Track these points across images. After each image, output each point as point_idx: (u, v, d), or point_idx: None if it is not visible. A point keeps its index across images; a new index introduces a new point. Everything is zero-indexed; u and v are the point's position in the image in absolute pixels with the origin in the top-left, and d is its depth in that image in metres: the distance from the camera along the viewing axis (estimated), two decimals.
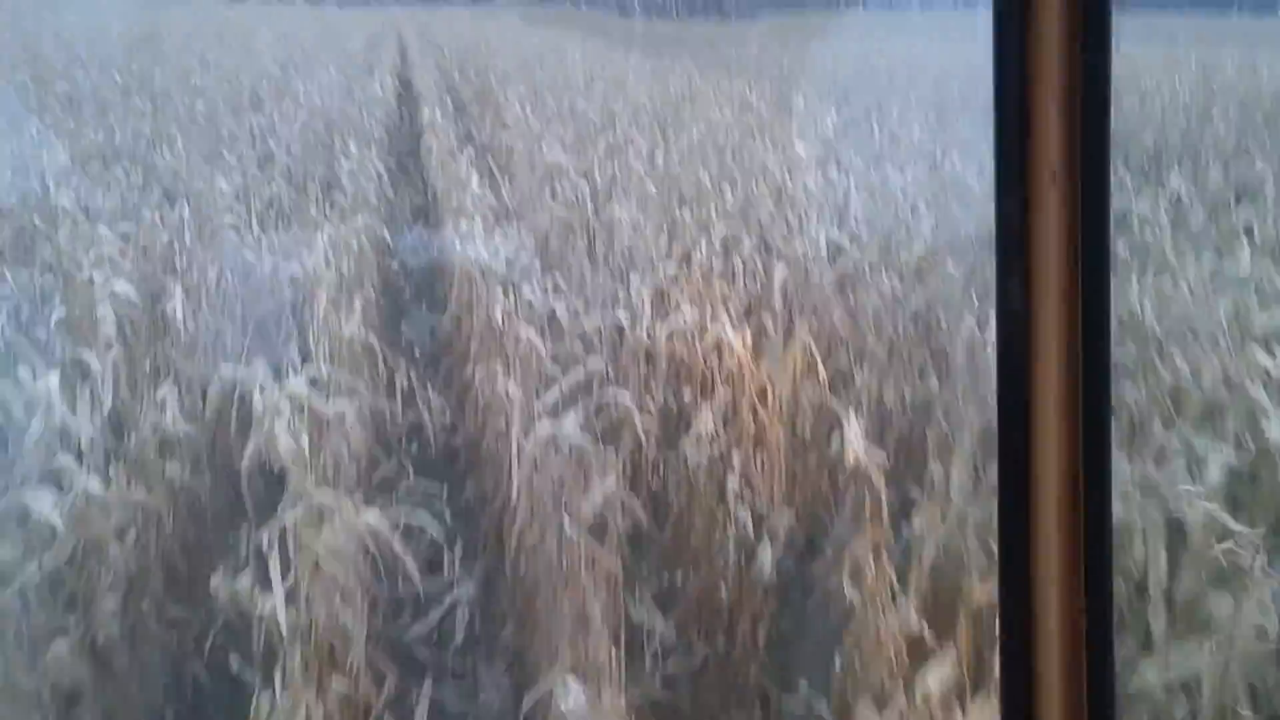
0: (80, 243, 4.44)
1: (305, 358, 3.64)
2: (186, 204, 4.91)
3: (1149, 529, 2.79)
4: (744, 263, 5.34)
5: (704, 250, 5.79)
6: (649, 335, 5.05)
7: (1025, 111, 0.76)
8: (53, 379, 2.96)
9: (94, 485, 2.82)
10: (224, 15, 20.43)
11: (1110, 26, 0.79)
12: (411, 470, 4.74)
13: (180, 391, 3.95)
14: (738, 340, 4.14)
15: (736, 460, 3.99)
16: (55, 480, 2.79)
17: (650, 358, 5.07)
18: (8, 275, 4.61)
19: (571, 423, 3.13)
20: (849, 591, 3.12)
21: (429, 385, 5.96)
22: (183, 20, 18.97)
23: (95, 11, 18.87)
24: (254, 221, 5.50)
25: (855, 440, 3.73)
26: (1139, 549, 2.77)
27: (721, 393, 4.32)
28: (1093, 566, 0.78)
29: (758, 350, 4.40)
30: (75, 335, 3.53)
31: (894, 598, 3.05)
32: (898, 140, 8.72)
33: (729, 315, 4.33)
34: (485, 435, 4.73)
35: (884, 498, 3.63)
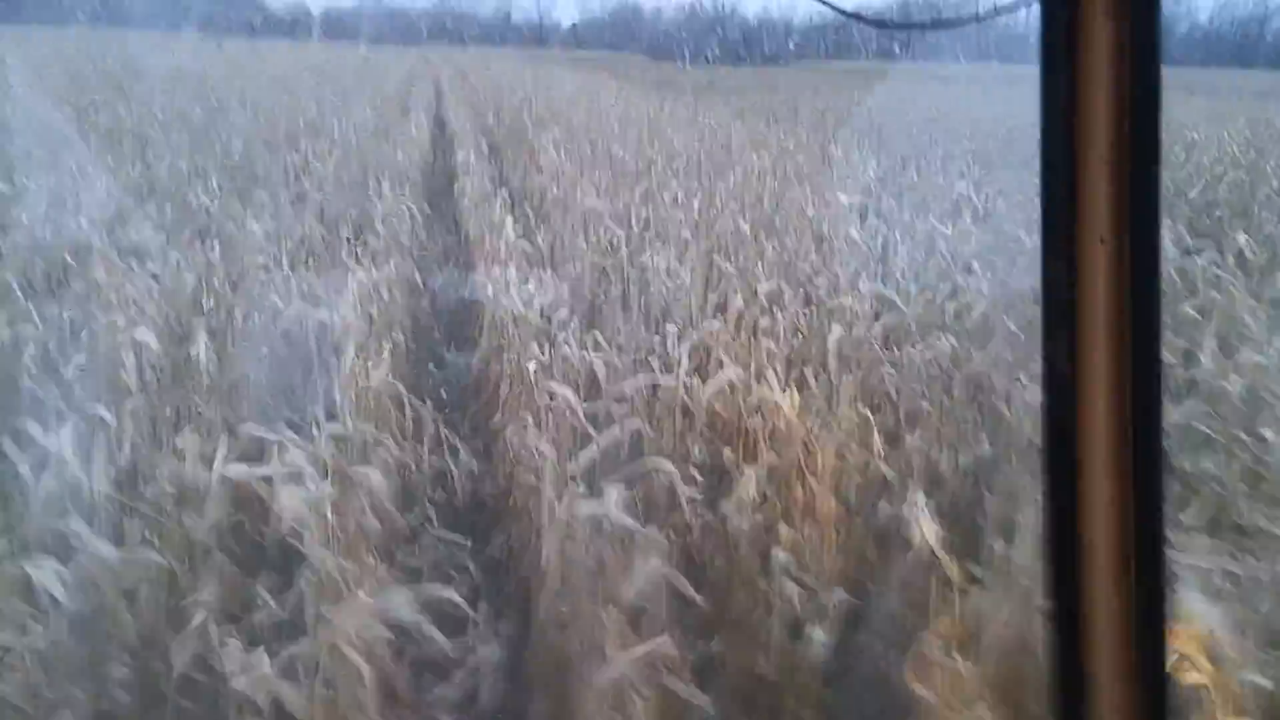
0: (109, 282, 4.33)
1: (330, 414, 3.46)
2: (217, 244, 4.78)
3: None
4: (788, 317, 5.14)
5: (745, 302, 5.61)
6: (687, 391, 4.86)
7: (1073, 173, 0.74)
8: (65, 433, 2.80)
9: (104, 550, 2.63)
10: (264, 53, 20.75)
11: (1160, 84, 0.76)
12: (435, 521, 4.56)
13: (201, 439, 3.79)
14: (785, 401, 3.92)
15: (783, 531, 3.75)
16: (62, 546, 2.60)
17: (688, 414, 4.87)
18: (34, 313, 4.49)
19: (612, 499, 2.91)
20: (909, 681, 2.87)
21: (457, 434, 5.80)
22: (224, 58, 19.27)
23: (141, 48, 19.21)
24: (284, 262, 5.38)
25: (916, 513, 3.51)
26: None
27: (766, 456, 4.10)
28: (1145, 647, 0.74)
29: (805, 411, 4.18)
30: (95, 384, 3.38)
31: (956, 687, 2.80)
32: (941, 191, 8.54)
33: (776, 374, 4.12)
34: (514, 489, 4.54)
35: (946, 576, 3.39)
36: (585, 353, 4.05)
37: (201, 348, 3.88)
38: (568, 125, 12.65)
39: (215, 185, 6.96)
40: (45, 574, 2.30)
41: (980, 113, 17.58)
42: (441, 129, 14.96)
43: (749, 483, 3.86)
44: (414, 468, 4.05)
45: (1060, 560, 0.77)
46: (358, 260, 5.38)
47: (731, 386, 4.50)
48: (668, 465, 3.35)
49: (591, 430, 3.88)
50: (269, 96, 13.81)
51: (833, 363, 4.37)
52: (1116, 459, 0.75)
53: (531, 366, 3.69)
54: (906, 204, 8.15)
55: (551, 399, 3.62)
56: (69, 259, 5.04)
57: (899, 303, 4.90)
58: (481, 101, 18.30)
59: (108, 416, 2.92)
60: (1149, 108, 0.75)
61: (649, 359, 5.18)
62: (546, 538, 3.55)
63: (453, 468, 4.33)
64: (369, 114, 12.93)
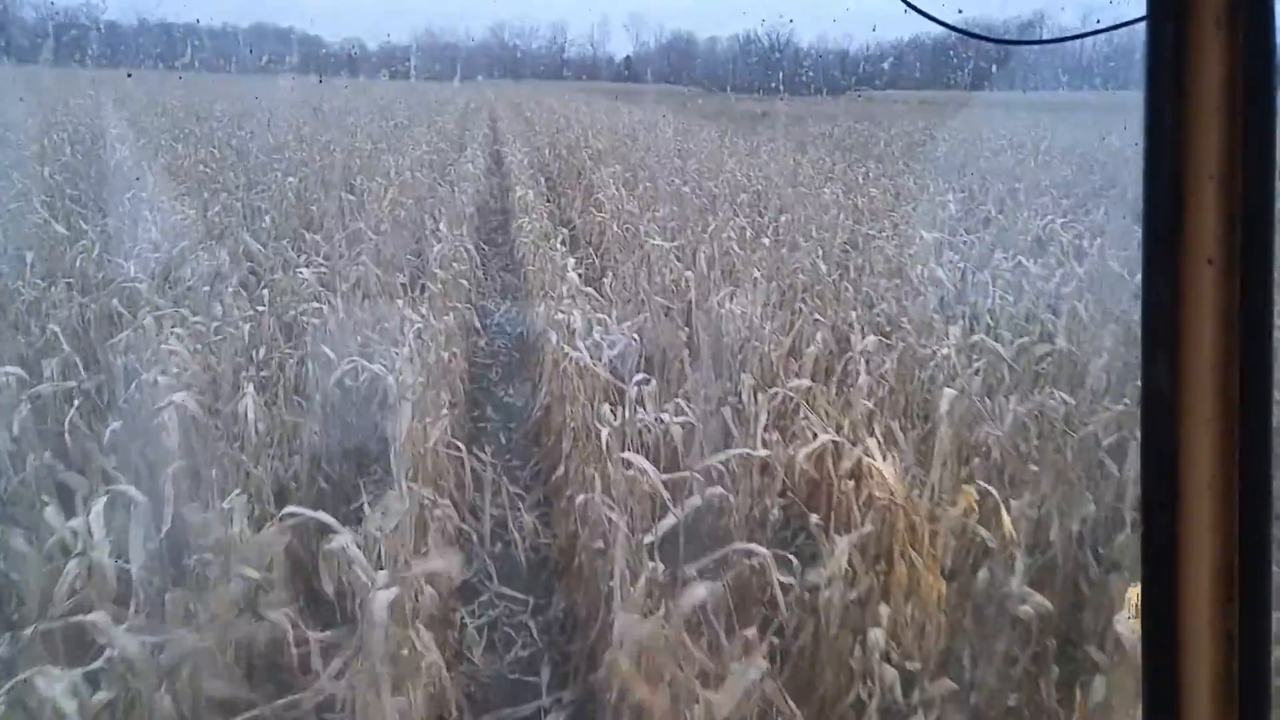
0: (154, 331, 4.09)
1: (384, 483, 3.14)
2: (266, 291, 4.53)
3: None
4: (874, 366, 4.73)
5: (828, 350, 5.22)
6: (766, 447, 4.46)
7: (1179, 189, 0.69)
8: (97, 508, 2.51)
9: (132, 647, 2.32)
10: (322, 90, 20.94)
11: (1275, 96, 0.72)
12: (495, 576, 4.24)
13: (251, 500, 3.51)
14: (881, 462, 3.50)
15: (883, 610, 3.33)
16: (81, 646, 2.30)
17: (768, 471, 4.47)
18: (79, 365, 4.27)
19: (699, 595, 2.53)
20: None
21: (516, 483, 5.48)
22: (284, 95, 19.46)
23: (202, 87, 19.49)
24: (339, 306, 5.12)
25: (1022, 588, 3.08)
26: None
27: (860, 524, 3.69)
28: (1248, 678, 0.69)
29: (901, 474, 3.75)
30: (134, 449, 3.10)
31: None
32: (1025, 226, 8.05)
33: (869, 432, 3.71)
34: (579, 551, 4.20)
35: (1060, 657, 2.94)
36: (660, 416, 3.67)
37: (249, 404, 3.60)
38: (626, 160, 12.40)
39: (270, 226, 6.78)
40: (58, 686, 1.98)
41: (1054, 140, 17.01)
42: (498, 164, 14.84)
43: (840, 554, 3.46)
44: (475, 537, 3.70)
45: (1160, 592, 0.72)
46: (414, 306, 5.10)
47: (825, 449, 4.11)
48: (760, 550, 2.96)
49: (667, 497, 3.51)
50: (325, 133, 13.79)
51: (931, 419, 3.95)
52: (1222, 489, 0.70)
53: (604, 433, 3.32)
54: (989, 240, 7.69)
55: (627, 467, 3.25)
56: (119, 307, 4.82)
57: (1000, 351, 4.45)
58: (538, 136, 18.21)
59: (136, 494, 2.61)
60: (1263, 121, 0.71)
61: (721, 410, 4.81)
62: (623, 623, 3.19)
63: (514, 529, 3.99)
64: (424, 150, 12.82)
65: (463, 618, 4.05)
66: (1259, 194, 0.71)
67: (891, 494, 3.67)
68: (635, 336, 4.49)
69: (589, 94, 34.74)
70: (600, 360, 4.58)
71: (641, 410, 3.64)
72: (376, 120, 17.09)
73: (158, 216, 7.06)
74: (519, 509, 3.75)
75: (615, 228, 8.20)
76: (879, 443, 3.78)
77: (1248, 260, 0.70)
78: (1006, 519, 2.85)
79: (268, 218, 7.09)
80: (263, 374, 4.19)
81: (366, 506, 3.36)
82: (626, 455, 3.24)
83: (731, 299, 5.50)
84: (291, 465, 4.25)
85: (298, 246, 6.30)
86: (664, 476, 3.32)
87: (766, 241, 6.92)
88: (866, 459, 3.71)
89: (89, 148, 10.31)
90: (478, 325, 6.08)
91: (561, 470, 4.95)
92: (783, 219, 8.27)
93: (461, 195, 9.45)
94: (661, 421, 3.54)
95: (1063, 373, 5.00)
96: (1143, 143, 0.73)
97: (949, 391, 3.48)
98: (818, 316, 5.47)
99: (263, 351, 4.10)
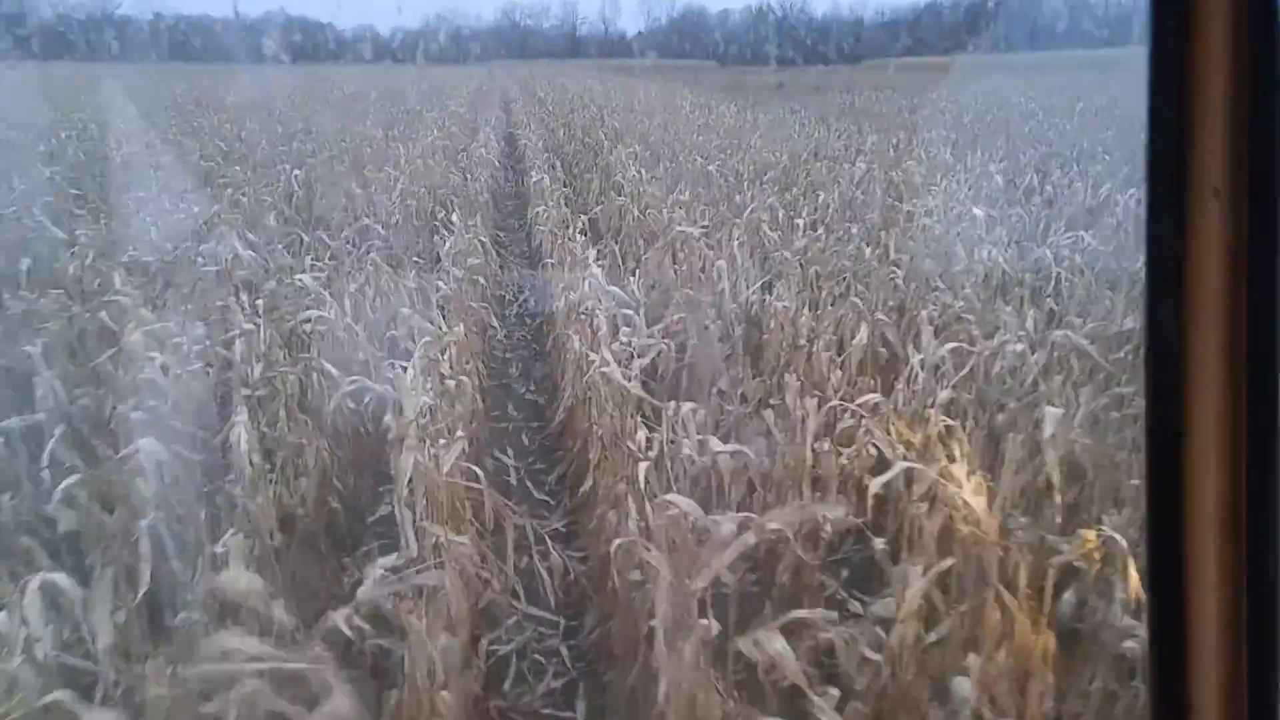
0: (141, 350, 3.69)
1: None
2: (261, 300, 4.12)
3: None
4: (931, 362, 4.26)
5: (880, 343, 4.75)
6: (815, 459, 4.01)
7: (1183, 120, 0.67)
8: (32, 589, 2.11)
9: None
10: (333, 78, 20.49)
11: (1278, 26, 0.69)
12: (523, 596, 3.85)
13: (246, 539, 3.12)
14: (969, 491, 3.04)
15: (973, 660, 2.89)
16: None
17: (820, 486, 4.03)
18: (59, 393, 3.87)
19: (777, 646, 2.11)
20: None
21: (541, 488, 5.10)
22: (295, 84, 19.04)
23: (214, 79, 19.11)
24: (345, 313, 4.71)
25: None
26: None
27: (934, 553, 3.24)
28: (1255, 599, 0.67)
29: (979, 491, 3.29)
30: (100, 510, 2.70)
31: None
32: (1077, 196, 7.51)
33: (949, 452, 3.25)
34: (611, 569, 3.80)
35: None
36: (702, 440, 3.21)
37: (242, 432, 3.20)
38: (644, 138, 11.89)
39: (274, 224, 6.37)
40: None
41: (1089, 101, 16.30)
42: (512, 147, 14.36)
43: (913, 588, 3.01)
44: (494, 580, 3.28)
45: (1161, 518, 0.71)
46: (426, 310, 4.68)
47: (890, 463, 3.66)
48: (824, 615, 2.53)
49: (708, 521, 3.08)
50: (336, 122, 13.36)
51: (1013, 429, 3.48)
52: (1228, 422, 0.67)
53: (641, 470, 2.89)
54: (1039, 213, 7.16)
55: (669, 509, 2.82)
56: (109, 320, 4.43)
57: (1085, 346, 3.95)
58: (552, 117, 17.69)
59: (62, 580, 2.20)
60: (1268, 53, 0.68)
61: (762, 413, 4.36)
62: (667, 671, 2.79)
63: (541, 569, 3.56)
64: (436, 135, 12.37)
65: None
66: (1266, 122, 0.66)
67: (978, 523, 3.22)
68: (667, 343, 4.04)
69: (602, 72, 34.09)
70: (630, 372, 4.10)
71: (681, 433, 3.20)
72: (387, 107, 16.63)
73: (159, 217, 6.68)
74: (545, 547, 3.32)
75: (636, 211, 7.73)
76: (954, 457, 3.32)
77: (1254, 192, 0.66)
78: (1133, 572, 2.39)
79: (272, 215, 6.68)
80: (260, 393, 3.79)
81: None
82: (670, 497, 2.80)
83: (770, 290, 5.04)
84: (296, 493, 3.86)
85: (301, 246, 5.89)
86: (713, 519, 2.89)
87: (800, 223, 6.43)
88: (942, 479, 3.26)
89: (96, 146, 9.94)
90: (494, 323, 5.65)
91: (590, 484, 4.54)
92: (817, 198, 7.76)
93: (475, 182, 9.01)
94: (703, 446, 3.10)
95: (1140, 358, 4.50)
96: (1147, 76, 0.70)
97: (1052, 411, 3.00)
98: (865, 307, 5.00)
99: (259, 369, 3.69)
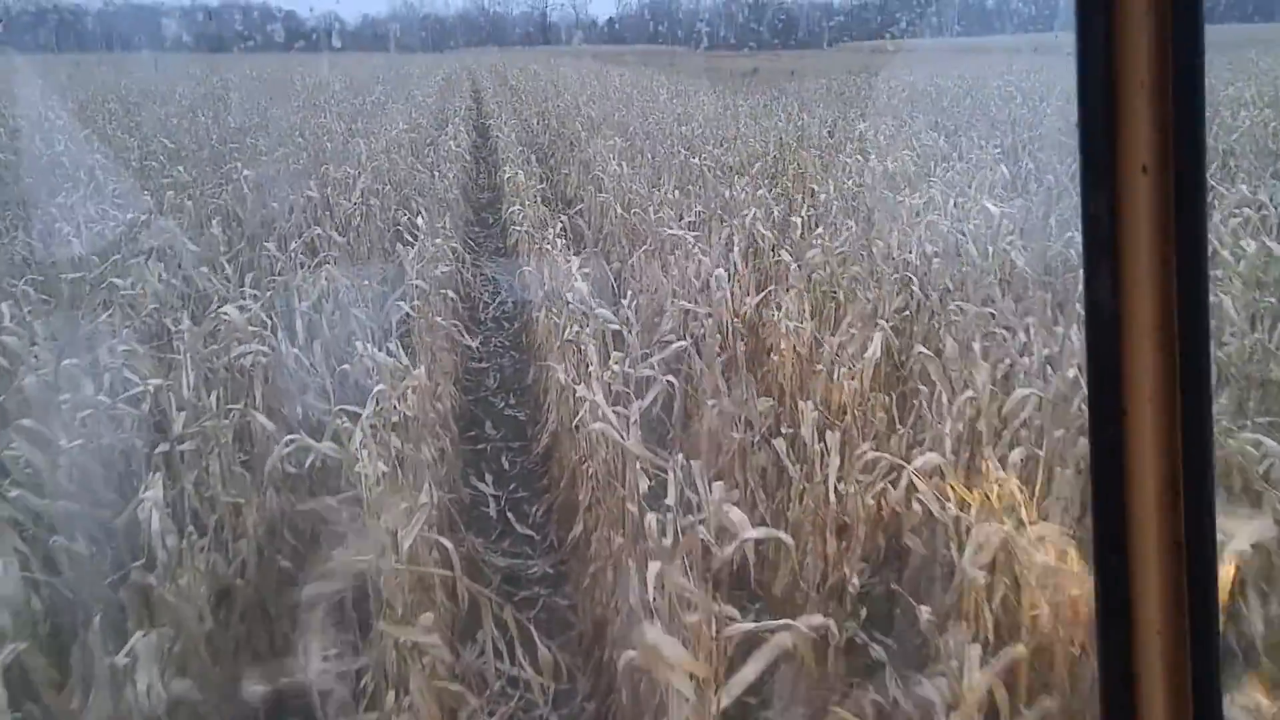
0: (34, 399, 3.06)
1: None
2: (189, 335, 3.46)
3: None
4: (960, 379, 3.72)
5: (904, 359, 4.22)
6: (837, 498, 3.47)
7: (1113, 99, 0.70)
8: None
9: None
10: (295, 68, 19.58)
11: (1201, 7, 0.72)
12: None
13: (160, 639, 2.53)
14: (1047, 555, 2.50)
15: None
16: None
17: (845, 533, 3.49)
18: None
19: None
20: None
21: (525, 523, 4.55)
22: (253, 74, 18.16)
23: (165, 69, 18.20)
24: (296, 341, 4.10)
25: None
26: None
27: (1002, 636, 2.71)
28: (1195, 577, 0.70)
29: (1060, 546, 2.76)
30: None
31: None
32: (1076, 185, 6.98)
33: (1010, 500, 2.69)
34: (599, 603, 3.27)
35: None
36: (713, 500, 2.62)
37: (152, 510, 2.59)
38: (623, 128, 11.25)
39: (218, 234, 5.71)
40: None
41: (1068, 84, 15.80)
42: (484, 139, 13.68)
43: (971, 674, 2.49)
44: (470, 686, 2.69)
45: (1106, 495, 0.72)
46: (384, 339, 4.07)
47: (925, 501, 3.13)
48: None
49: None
50: (294, 115, 12.59)
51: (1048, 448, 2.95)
52: (1165, 399, 0.70)
53: (651, 566, 2.33)
54: (1044, 206, 6.63)
55: (689, 607, 2.26)
56: (2, 361, 3.77)
57: None
58: (525, 106, 16.98)
59: None
60: (1191, 31, 0.71)
61: (771, 441, 3.80)
62: None
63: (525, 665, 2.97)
64: (402, 128, 11.67)
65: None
66: (1189, 100, 0.69)
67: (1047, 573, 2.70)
68: (670, 380, 3.46)
69: (574, 58, 33.28)
70: (628, 415, 3.47)
71: (691, 495, 2.63)
72: (350, 98, 15.82)
73: (83, 226, 5.99)
74: (530, 636, 2.73)
75: (619, 210, 7.13)
76: (1018, 505, 2.78)
77: (1181, 167, 0.69)
78: None
79: (216, 222, 6.01)
80: (186, 447, 3.17)
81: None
82: (682, 582, 2.24)
83: (775, 303, 4.48)
84: (234, 559, 3.25)
85: (245, 261, 5.24)
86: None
87: (798, 221, 5.85)
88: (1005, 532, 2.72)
89: (18, 144, 9.17)
90: (466, 339, 5.07)
91: (580, 529, 3.99)
92: (811, 192, 7.20)
93: (444, 179, 8.36)
94: (725, 534, 2.52)
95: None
96: (1075, 55, 0.72)
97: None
98: (884, 322, 4.45)
99: (180, 423, 3.07)
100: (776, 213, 6.38)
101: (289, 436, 2.87)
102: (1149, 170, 0.69)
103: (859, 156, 8.29)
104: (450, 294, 5.22)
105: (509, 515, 4.81)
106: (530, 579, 4.33)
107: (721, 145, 9.65)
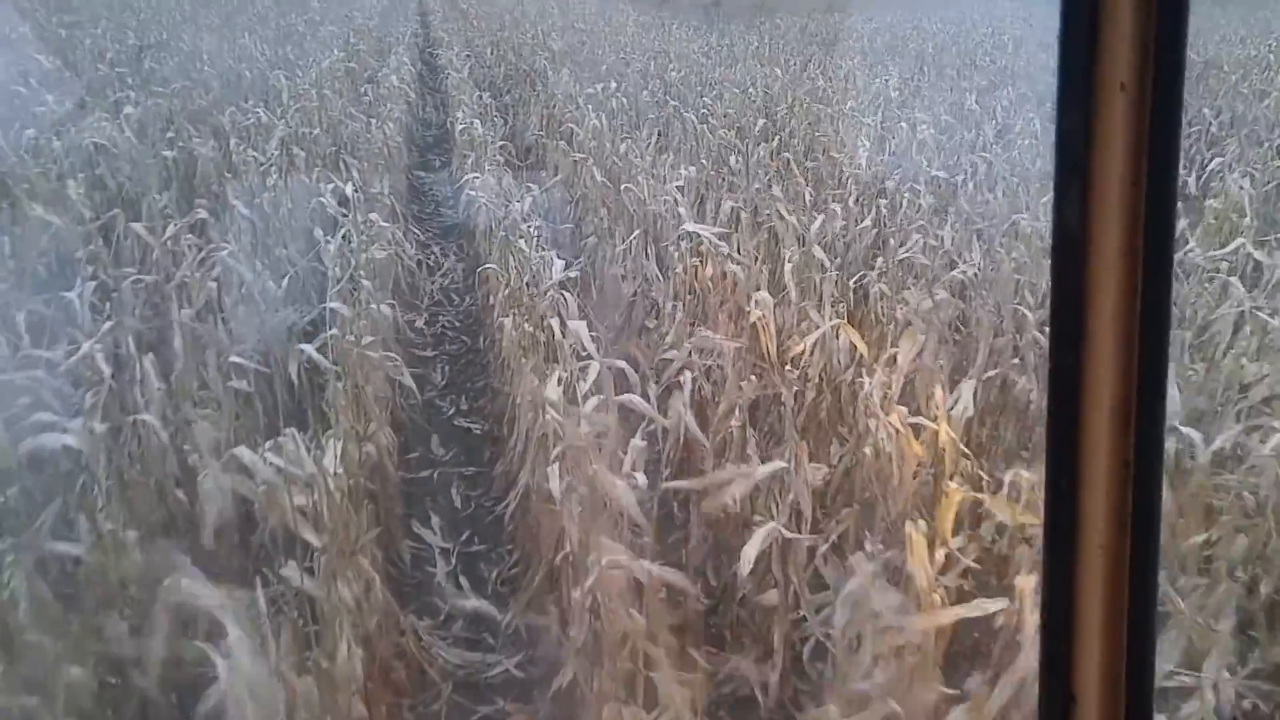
0: None
1: None
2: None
3: None
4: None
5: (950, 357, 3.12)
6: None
7: (1094, 14, 0.69)
8: None
9: None
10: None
11: None
12: None
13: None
14: None
15: None
16: None
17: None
18: None
19: None
20: None
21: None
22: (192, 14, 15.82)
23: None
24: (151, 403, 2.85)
25: None
26: None
27: None
28: (1142, 494, 0.73)
29: None
30: None
31: None
32: None
33: None
34: None
35: None
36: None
37: None
38: (593, 65, 9.79)
39: (74, 206, 4.30)
40: None
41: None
42: (432, 72, 12.07)
43: None
44: None
45: (1059, 416, 0.73)
46: (296, 380, 2.85)
47: None
48: None
49: None
50: (203, 39, 10.74)
51: None
52: (1124, 326, 0.70)
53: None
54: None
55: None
56: None
57: None
58: (479, 35, 15.23)
59: None
60: None
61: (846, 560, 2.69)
62: None
63: None
64: (337, 56, 10.04)
65: None
66: (1172, 18, 0.69)
67: None
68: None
69: None
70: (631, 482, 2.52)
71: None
72: (275, 18, 13.91)
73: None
74: None
75: (598, 176, 5.81)
76: None
77: (1159, 87, 0.68)
78: None
79: (74, 183, 4.55)
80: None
81: None
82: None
83: (836, 335, 3.27)
84: None
85: (106, 255, 3.86)
86: None
87: (839, 209, 4.59)
88: None
89: None
90: (405, 377, 3.84)
91: (555, 614, 3.00)
92: (827, 158, 5.98)
93: (385, 126, 6.92)
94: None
95: None
96: None
97: None
98: (918, 314, 3.36)
99: None
100: (806, 190, 5.12)
101: None
102: (1126, 88, 0.67)
103: (873, 112, 7.04)
104: (387, 310, 3.93)
105: (460, 579, 3.70)
106: (491, 686, 3.24)
107: (710, 93, 8.30)
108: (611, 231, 5.24)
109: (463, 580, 3.69)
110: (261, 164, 5.35)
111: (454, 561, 3.82)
